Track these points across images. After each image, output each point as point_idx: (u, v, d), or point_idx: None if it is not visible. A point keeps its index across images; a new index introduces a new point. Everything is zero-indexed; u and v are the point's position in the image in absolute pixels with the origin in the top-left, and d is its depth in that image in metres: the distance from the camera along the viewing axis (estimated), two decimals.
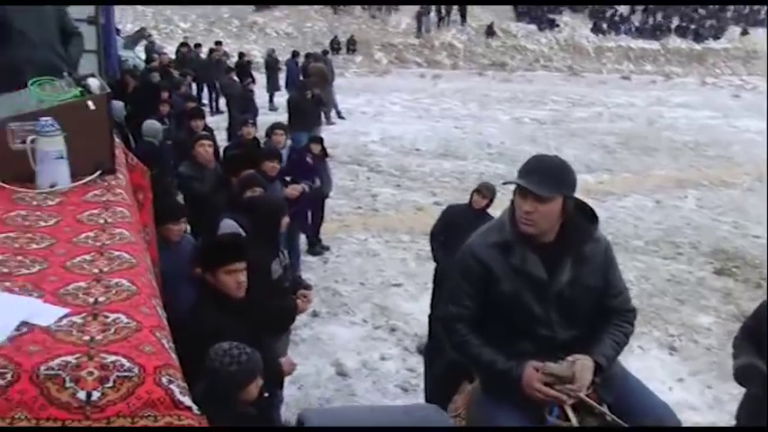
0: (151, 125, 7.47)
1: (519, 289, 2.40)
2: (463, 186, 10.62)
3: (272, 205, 4.19)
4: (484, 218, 4.91)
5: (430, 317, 5.37)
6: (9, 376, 1.36)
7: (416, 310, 6.46)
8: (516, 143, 15.14)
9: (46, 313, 1.60)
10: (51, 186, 2.55)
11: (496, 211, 5.49)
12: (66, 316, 1.60)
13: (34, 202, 2.44)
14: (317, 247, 8.05)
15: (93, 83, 2.95)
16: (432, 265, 5.64)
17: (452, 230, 5.15)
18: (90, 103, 2.77)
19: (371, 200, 10.55)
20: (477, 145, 14.94)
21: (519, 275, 2.40)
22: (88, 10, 7.59)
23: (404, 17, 32.52)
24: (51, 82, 3.02)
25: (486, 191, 5.37)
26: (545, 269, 2.40)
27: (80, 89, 2.89)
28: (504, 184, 2.75)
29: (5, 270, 1.85)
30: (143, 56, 17.47)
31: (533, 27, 33.48)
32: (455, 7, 32.86)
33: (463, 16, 32.96)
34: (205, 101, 16.64)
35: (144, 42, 19.66)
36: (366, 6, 33.26)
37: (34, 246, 2.04)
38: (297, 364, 3.81)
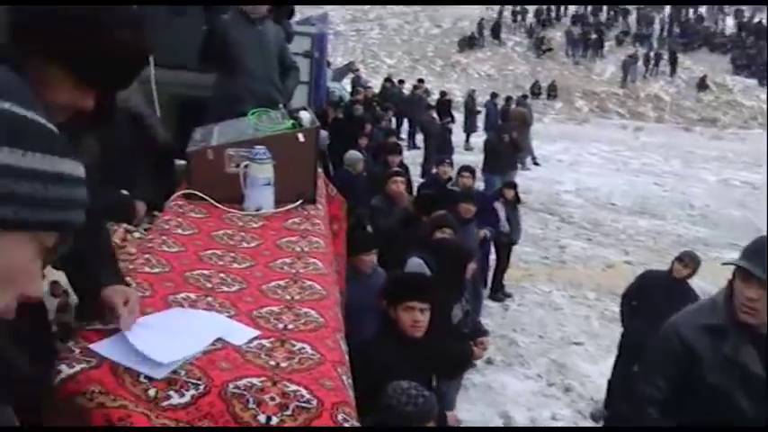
0: (353, 155, 7.77)
1: (728, 382, 2.15)
2: (658, 247, 10.03)
3: (461, 249, 4.19)
4: (683, 289, 4.60)
5: (609, 382, 5.08)
6: (201, 388, 1.44)
7: (595, 372, 6.15)
8: (722, 207, 14.08)
9: (239, 333, 1.68)
10: (257, 210, 2.72)
11: (698, 282, 5.17)
12: (256, 338, 1.67)
13: (240, 223, 2.61)
14: (499, 293, 7.96)
15: (305, 116, 3.11)
16: (617, 328, 5.37)
17: (647, 297, 4.87)
18: (300, 135, 2.92)
19: (559, 251, 10.26)
20: (678, 205, 14.07)
21: (730, 367, 2.16)
22: (305, 44, 8.14)
23: (609, 65, 31.70)
24: (267, 113, 3.24)
25: (689, 261, 5.02)
26: (763, 364, 2.14)
27: (292, 121, 3.06)
28: (723, 264, 2.48)
29: (209, 285, 1.98)
30: (349, 88, 18.39)
31: (753, 82, 31.17)
32: (665, 57, 31.44)
33: (673, 67, 31.45)
34: (403, 135, 17.16)
35: (351, 75, 20.71)
36: (570, 52, 32.77)
37: (236, 265, 2.17)
38: (462, 422, 3.75)
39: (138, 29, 1.36)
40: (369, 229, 5.71)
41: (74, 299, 1.98)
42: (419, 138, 16.39)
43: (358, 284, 4.05)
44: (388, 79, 21.53)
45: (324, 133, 8.18)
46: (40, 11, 1.30)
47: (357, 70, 22.77)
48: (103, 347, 1.50)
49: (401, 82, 20.88)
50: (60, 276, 1.99)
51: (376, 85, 21.60)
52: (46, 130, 0.75)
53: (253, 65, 4.24)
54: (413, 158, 13.59)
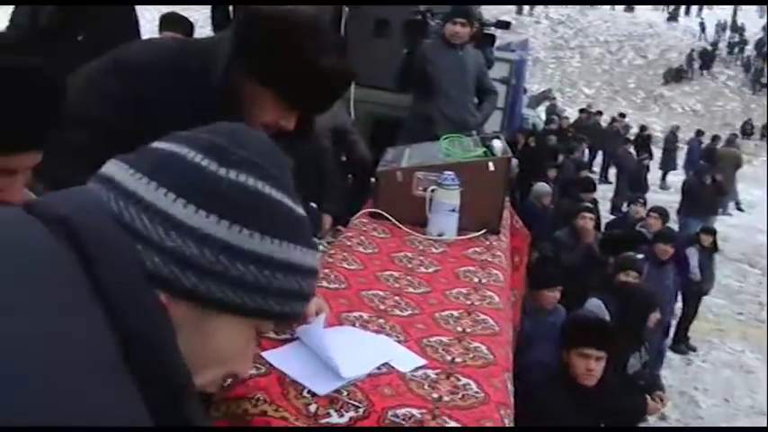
0: (541, 188, 7.62)
1: None
2: None
3: (646, 296, 3.94)
4: None
5: None
6: (361, 411, 1.44)
7: None
8: None
9: (407, 359, 1.67)
10: (439, 235, 2.71)
11: None
12: (422, 367, 1.65)
13: (420, 247, 2.62)
14: (682, 345, 7.41)
15: (498, 145, 3.07)
16: None
17: None
18: (491, 164, 2.89)
19: (758, 308, 9.34)
20: None
21: None
22: (503, 70, 8.10)
23: None
24: (460, 139, 3.24)
25: None
26: None
27: (484, 149, 3.04)
28: None
29: (382, 307, 1.99)
30: (543, 116, 18.09)
31: None
32: None
33: None
34: (595, 168, 16.57)
35: (547, 103, 20.36)
36: None
37: (411, 290, 2.17)
38: None
39: (341, 55, 1.42)
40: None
41: None
42: (612, 172, 15.76)
43: (536, 320, 3.95)
44: (584, 110, 20.92)
45: (513, 161, 8.09)
46: (259, 39, 1.39)
47: (554, 98, 22.35)
48: (275, 357, 1.55)
49: (599, 113, 20.20)
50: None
51: (572, 114, 21.07)
52: (293, 216, 0.72)
53: (449, 89, 4.28)
54: (603, 193, 13.03)
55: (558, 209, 7.80)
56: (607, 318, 3.77)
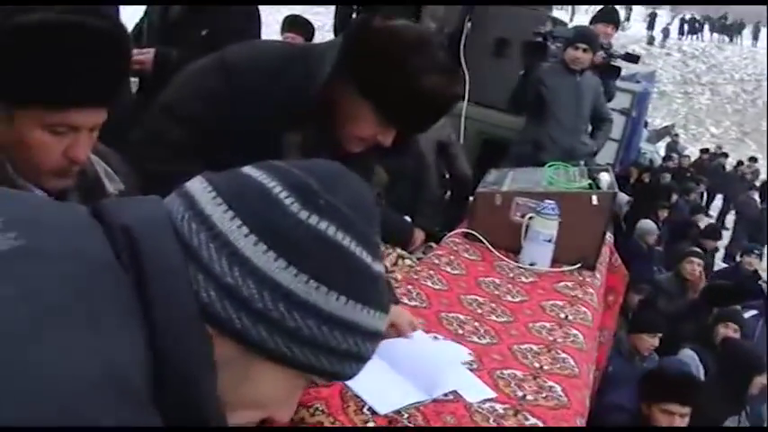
0: (647, 226, 7.34)
1: None
2: None
3: (751, 356, 3.68)
4: None
5: None
6: None
7: None
8: None
9: (476, 389, 1.63)
10: (531, 264, 2.64)
11: None
12: (490, 400, 1.60)
13: (510, 274, 2.56)
14: None
15: (605, 178, 2.97)
16: None
17: None
18: (594, 197, 2.79)
19: None
20: None
21: None
22: (624, 101, 7.84)
23: None
24: (566, 168, 3.15)
25: None
26: None
27: (590, 181, 2.94)
28: None
29: (461, 331, 1.95)
30: (662, 152, 17.39)
31: None
32: None
33: None
34: (712, 213, 15.78)
35: (668, 139, 19.57)
36: None
37: (493, 317, 2.12)
38: None
39: (445, 76, 1.39)
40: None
41: None
42: (729, 219, 14.95)
43: (629, 364, 3.81)
44: (706, 150, 19.98)
45: (624, 197, 7.81)
46: (364, 51, 1.38)
47: (676, 135, 21.45)
48: None
49: (724, 155, 19.21)
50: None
51: (694, 153, 20.15)
52: (369, 275, 0.66)
53: (562, 114, 4.18)
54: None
55: (667, 252, 7.48)
56: (701, 372, 3.57)
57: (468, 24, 5.15)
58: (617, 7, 5.44)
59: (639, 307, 4.64)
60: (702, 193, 14.14)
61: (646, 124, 14.83)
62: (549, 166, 3.07)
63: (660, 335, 4.09)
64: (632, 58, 4.82)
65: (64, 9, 1.03)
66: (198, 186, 0.66)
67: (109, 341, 0.53)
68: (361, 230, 0.66)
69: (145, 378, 0.55)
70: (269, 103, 1.44)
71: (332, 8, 4.95)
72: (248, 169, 0.67)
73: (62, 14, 1.03)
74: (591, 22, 4.85)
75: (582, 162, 4.03)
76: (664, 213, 8.88)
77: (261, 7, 2.89)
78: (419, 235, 3.04)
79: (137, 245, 0.59)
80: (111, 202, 0.65)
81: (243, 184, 0.65)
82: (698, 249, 6.41)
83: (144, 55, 2.63)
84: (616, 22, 4.87)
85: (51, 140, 1.09)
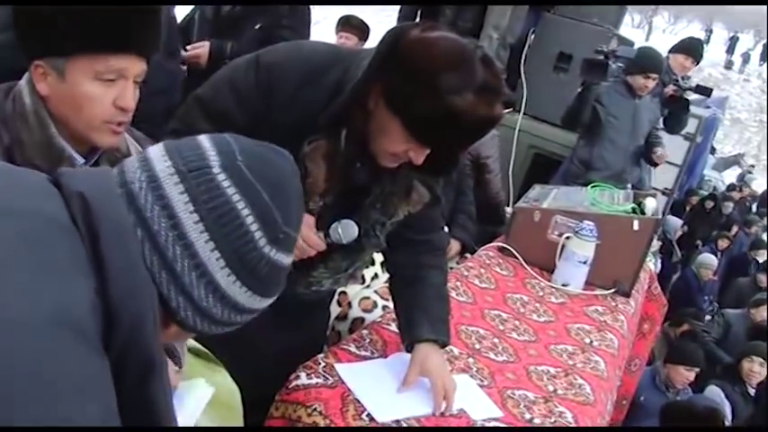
0: (707, 259, 7.15)
1: None
2: None
3: None
4: None
5: None
6: None
7: None
8: None
9: (482, 407, 1.62)
10: (563, 285, 2.61)
11: None
12: (496, 419, 1.59)
13: (540, 293, 2.53)
14: None
15: (650, 204, 2.91)
16: None
17: None
18: (636, 222, 2.73)
19: None
20: None
21: None
22: (690, 126, 7.61)
23: None
24: (611, 190, 3.10)
25: None
26: None
27: (634, 206, 2.88)
28: None
29: (478, 346, 1.94)
30: (727, 181, 16.85)
31: None
32: None
33: None
34: None
35: (737, 168, 18.95)
36: None
37: (515, 335, 2.10)
38: None
39: (482, 96, 1.29)
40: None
41: (354, 312, 2.10)
42: None
43: (662, 396, 3.74)
44: None
45: (676, 222, 7.62)
46: (396, 63, 1.32)
47: (752, 165, 20.73)
48: (347, 371, 1.56)
49: None
50: (351, 289, 2.13)
51: (762, 185, 19.45)
52: (285, 276, 0.81)
53: (616, 136, 4.10)
54: None
55: (723, 285, 7.29)
56: (728, 409, 3.47)
57: (532, 36, 5.10)
58: (699, 37, 5.23)
59: (681, 337, 4.53)
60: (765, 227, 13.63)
61: (714, 151, 14.40)
62: (593, 187, 3.03)
63: (698, 369, 3.98)
64: (705, 91, 4.65)
65: None
66: (173, 192, 0.72)
67: (61, 287, 0.61)
68: (295, 242, 0.80)
69: (95, 322, 0.62)
70: (300, 106, 1.42)
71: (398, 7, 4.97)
72: (224, 181, 0.73)
73: None
74: (671, 51, 4.66)
75: (629, 185, 3.95)
76: (724, 244, 8.62)
77: (320, 7, 2.93)
78: (454, 246, 3.02)
79: (90, 208, 0.67)
80: (67, 172, 0.73)
81: (216, 196, 0.73)
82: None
83: (199, 49, 2.70)
84: (697, 57, 4.68)
85: (101, 90, 1.20)
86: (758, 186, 18.04)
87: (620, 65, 4.12)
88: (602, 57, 3.98)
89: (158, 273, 0.71)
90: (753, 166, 20.74)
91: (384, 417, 1.43)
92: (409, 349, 1.62)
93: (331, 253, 1.55)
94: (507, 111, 3.73)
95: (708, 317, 6.81)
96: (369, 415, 1.42)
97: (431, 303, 1.67)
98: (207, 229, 0.72)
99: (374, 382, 1.54)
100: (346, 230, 1.51)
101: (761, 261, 8.56)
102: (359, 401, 1.46)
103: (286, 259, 0.79)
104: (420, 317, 1.63)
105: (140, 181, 0.72)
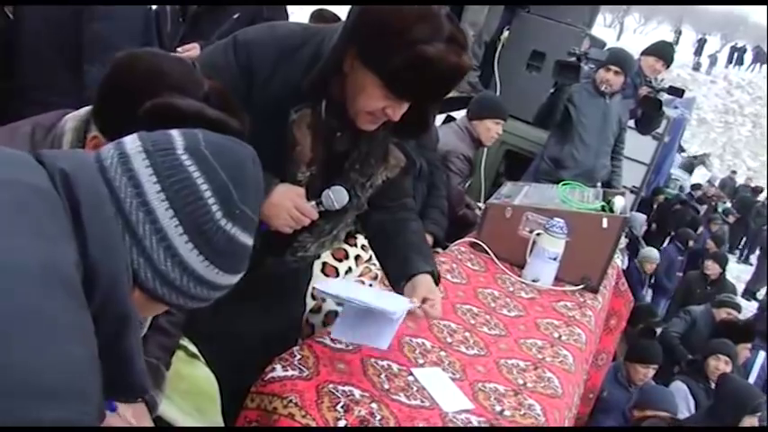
0: (649, 253, 7.32)
1: None
2: None
3: (743, 393, 3.65)
4: None
5: None
6: None
7: None
8: None
9: (454, 400, 1.66)
10: (533, 281, 2.65)
11: None
12: (467, 411, 1.63)
13: (510, 288, 2.57)
14: None
15: (619, 202, 2.96)
16: None
17: None
18: (605, 221, 2.79)
19: None
20: None
21: None
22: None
23: None
24: (581, 188, 3.16)
25: None
26: None
27: (603, 204, 2.94)
28: None
29: (449, 340, 1.98)
30: (692, 180, 17.15)
31: None
32: None
33: None
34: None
35: (702, 168, 19.29)
36: None
37: (485, 329, 2.14)
38: None
39: (451, 46, 1.36)
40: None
41: (328, 305, 2.12)
42: (754, 257, 14.72)
43: (624, 391, 3.82)
44: (746, 185, 19.62)
45: (641, 217, 7.75)
46: (368, 23, 1.39)
47: (710, 165, 21.13)
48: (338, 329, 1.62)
49: (754, 190, 18.89)
50: (320, 285, 2.15)
51: (726, 184, 19.81)
52: (248, 254, 0.86)
53: (586, 136, 4.17)
54: (738, 273, 12.25)
55: (684, 282, 7.44)
56: (691, 404, 3.56)
57: (506, 34, 5.16)
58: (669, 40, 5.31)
59: (640, 335, 4.63)
60: (727, 224, 13.89)
61: (683, 150, 14.64)
62: (564, 185, 3.08)
63: (656, 366, 4.08)
64: (677, 92, 4.75)
65: None
66: (139, 162, 0.79)
67: (49, 247, 0.67)
68: (254, 224, 0.85)
69: (78, 279, 0.69)
70: (280, 80, 1.47)
71: None
72: (185, 157, 0.80)
73: None
74: (642, 54, 4.74)
75: (599, 184, 4.02)
76: (689, 241, 8.81)
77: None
78: (427, 239, 3.05)
79: (70, 180, 0.73)
80: (49, 152, 0.79)
81: (178, 172, 0.79)
82: (733, 299, 6.37)
83: (189, 51, 2.72)
84: (668, 60, 4.76)
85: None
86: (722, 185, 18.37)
87: (592, 66, 4.19)
88: (574, 59, 4.04)
89: (123, 236, 0.77)
90: (711, 164, 21.12)
91: (399, 310, 1.54)
92: (402, 286, 1.72)
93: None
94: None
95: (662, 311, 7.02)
96: (343, 406, 1.45)
97: (420, 244, 1.80)
98: (167, 199, 0.78)
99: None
100: (338, 196, 1.60)
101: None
102: (334, 393, 1.48)
103: (244, 236, 0.84)
104: (415, 255, 1.73)
105: (112, 157, 0.79)
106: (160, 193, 0.78)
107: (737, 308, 5.97)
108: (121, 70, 1.17)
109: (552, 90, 4.16)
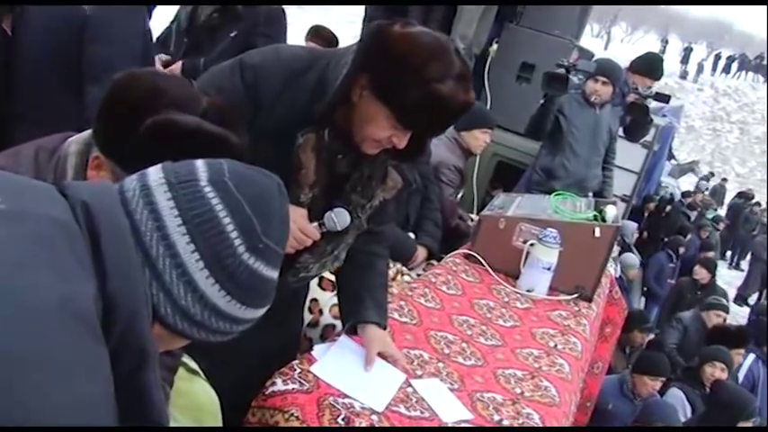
0: (628, 259, 7.32)
1: None
2: None
3: (739, 400, 3.67)
4: None
5: None
6: None
7: None
8: None
9: (453, 410, 1.67)
10: (528, 290, 2.67)
11: None
12: (466, 421, 1.64)
13: (506, 299, 2.59)
14: None
15: (610, 212, 2.99)
16: None
17: None
18: (597, 230, 2.81)
19: None
20: None
21: None
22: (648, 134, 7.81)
23: None
24: (573, 198, 3.19)
25: None
26: None
27: (595, 213, 2.97)
28: None
29: (447, 351, 1.99)
30: (683, 188, 17.24)
31: None
32: None
33: None
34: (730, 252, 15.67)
35: (691, 175, 19.41)
36: None
37: (482, 340, 2.16)
38: None
39: (460, 83, 1.42)
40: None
41: (325, 319, 2.14)
42: (745, 263, 14.82)
43: (630, 403, 3.84)
44: (740, 194, 19.71)
45: (632, 225, 7.78)
46: (382, 55, 1.43)
47: (699, 171, 21.24)
48: (320, 371, 1.62)
49: (742, 195, 18.98)
50: (321, 296, 2.17)
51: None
52: (271, 288, 0.85)
53: (577, 146, 4.21)
54: (730, 279, 12.31)
55: (676, 288, 7.48)
56: (688, 411, 3.58)
57: (495, 46, 5.20)
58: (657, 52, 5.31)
59: (648, 347, 4.65)
60: (716, 231, 13.97)
61: (672, 157, 14.72)
62: (555, 195, 3.11)
63: (663, 379, 4.10)
64: (663, 98, 4.79)
65: None
66: (160, 196, 0.79)
67: (68, 283, 0.66)
68: (279, 258, 0.84)
69: (96, 314, 0.68)
70: (286, 104, 1.50)
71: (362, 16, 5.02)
72: (207, 188, 0.79)
73: None
74: (629, 69, 4.77)
75: (591, 194, 4.05)
76: (680, 248, 8.86)
77: (294, 16, 3.01)
78: (421, 253, 3.08)
79: (91, 212, 0.73)
80: (72, 184, 0.79)
81: (200, 205, 0.78)
82: (721, 301, 6.40)
83: (173, 67, 2.75)
84: (658, 75, 4.78)
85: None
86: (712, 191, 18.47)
87: (581, 78, 4.22)
88: (562, 70, 4.08)
89: (143, 270, 0.76)
90: (700, 171, 21.23)
91: (381, 405, 1.54)
92: (350, 327, 1.81)
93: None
94: None
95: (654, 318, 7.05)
96: (344, 418, 1.46)
97: (378, 290, 1.85)
98: (188, 232, 0.77)
99: (349, 374, 1.62)
100: (340, 217, 1.64)
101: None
102: (335, 405, 1.49)
103: (268, 270, 0.82)
104: (368, 300, 1.79)
105: (134, 189, 0.79)
106: (181, 226, 0.77)
107: (726, 309, 6.01)
108: (121, 89, 1.18)
109: (542, 101, 4.19)
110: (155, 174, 0.81)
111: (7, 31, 2.21)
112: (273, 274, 0.84)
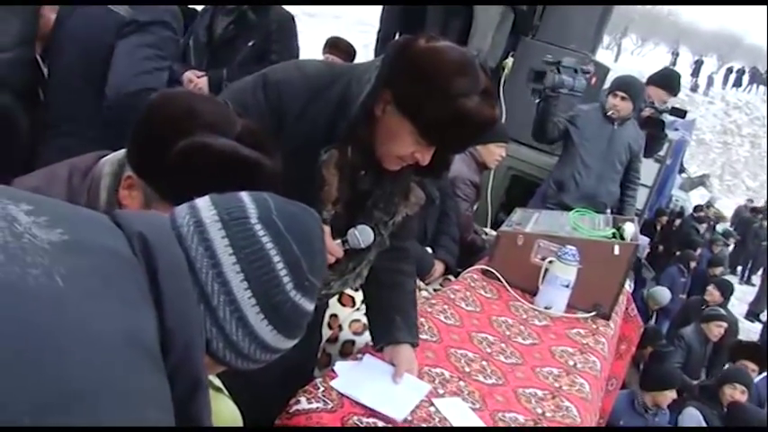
0: (659, 293, 7.27)
1: None
2: None
3: (754, 418, 3.65)
4: None
5: None
6: None
7: None
8: None
9: (470, 423, 1.67)
10: (546, 308, 2.66)
11: None
12: None
13: (524, 316, 2.58)
14: None
15: (629, 229, 2.98)
16: None
17: None
18: (616, 248, 2.80)
19: None
20: None
21: None
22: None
23: None
24: (591, 215, 3.17)
25: None
26: None
27: (614, 231, 2.95)
28: None
29: (467, 369, 1.98)
30: (694, 201, 17.17)
31: None
32: None
33: None
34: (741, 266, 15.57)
35: (702, 189, 19.33)
36: None
37: (502, 358, 2.14)
38: None
39: (486, 99, 1.41)
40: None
41: (344, 335, 2.13)
42: (756, 277, 14.71)
43: (641, 418, 3.81)
44: (748, 206, 19.62)
45: (644, 240, 7.75)
46: (407, 72, 1.42)
47: (710, 185, 21.16)
48: (343, 386, 1.62)
49: (754, 211, 18.88)
50: (341, 312, 2.16)
51: (726, 204, 19.85)
52: (308, 319, 0.87)
53: (588, 158, 4.17)
54: (741, 294, 12.22)
55: (687, 304, 7.42)
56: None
57: (510, 60, 5.18)
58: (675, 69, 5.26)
59: (651, 360, 4.61)
60: (726, 245, 13.89)
61: (683, 170, 14.66)
62: (575, 212, 3.09)
63: (675, 389, 4.07)
64: (680, 113, 4.77)
65: None
66: (214, 229, 0.81)
67: (132, 314, 0.69)
68: (317, 290, 0.87)
69: (157, 344, 0.71)
70: (309, 120, 1.50)
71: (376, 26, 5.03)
72: (260, 230, 0.82)
73: None
74: (648, 83, 4.74)
75: (609, 210, 4.03)
76: (692, 263, 8.82)
77: (305, 24, 3.10)
78: (438, 268, 3.07)
79: (149, 245, 0.75)
80: (124, 213, 0.81)
81: (252, 243, 0.81)
82: (718, 311, 6.34)
83: (199, 80, 2.79)
84: (674, 90, 4.76)
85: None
86: (721, 206, 18.41)
87: (565, 77, 4.11)
88: (548, 66, 4.02)
89: (198, 305, 0.79)
90: (711, 185, 21.10)
91: (402, 415, 1.56)
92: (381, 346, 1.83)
93: None
94: None
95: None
96: None
97: (408, 310, 1.86)
98: (242, 271, 0.80)
99: (371, 387, 1.64)
100: (363, 235, 1.64)
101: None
102: (359, 423, 1.49)
103: (309, 305, 0.86)
104: (399, 321, 1.81)
105: (188, 225, 0.81)
106: (235, 264, 0.80)
107: (725, 318, 5.94)
108: (155, 110, 1.18)
109: (537, 101, 4.13)
110: (206, 210, 0.83)
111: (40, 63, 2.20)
112: (312, 306, 0.87)
